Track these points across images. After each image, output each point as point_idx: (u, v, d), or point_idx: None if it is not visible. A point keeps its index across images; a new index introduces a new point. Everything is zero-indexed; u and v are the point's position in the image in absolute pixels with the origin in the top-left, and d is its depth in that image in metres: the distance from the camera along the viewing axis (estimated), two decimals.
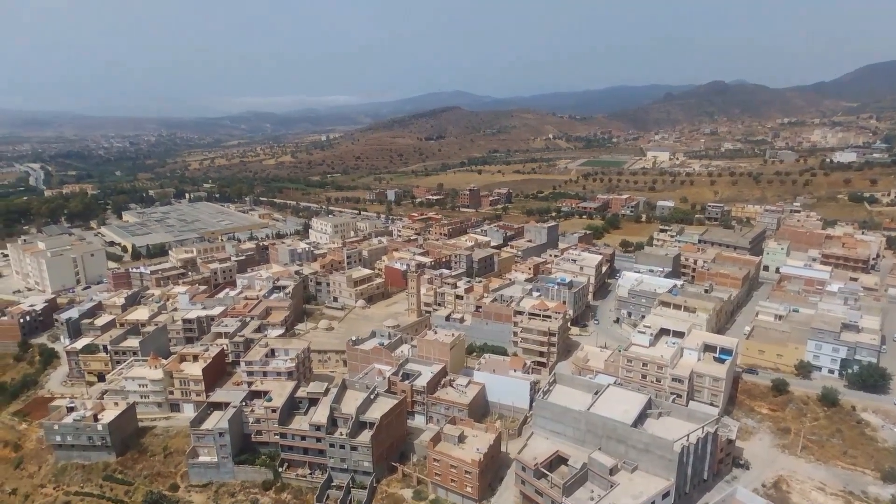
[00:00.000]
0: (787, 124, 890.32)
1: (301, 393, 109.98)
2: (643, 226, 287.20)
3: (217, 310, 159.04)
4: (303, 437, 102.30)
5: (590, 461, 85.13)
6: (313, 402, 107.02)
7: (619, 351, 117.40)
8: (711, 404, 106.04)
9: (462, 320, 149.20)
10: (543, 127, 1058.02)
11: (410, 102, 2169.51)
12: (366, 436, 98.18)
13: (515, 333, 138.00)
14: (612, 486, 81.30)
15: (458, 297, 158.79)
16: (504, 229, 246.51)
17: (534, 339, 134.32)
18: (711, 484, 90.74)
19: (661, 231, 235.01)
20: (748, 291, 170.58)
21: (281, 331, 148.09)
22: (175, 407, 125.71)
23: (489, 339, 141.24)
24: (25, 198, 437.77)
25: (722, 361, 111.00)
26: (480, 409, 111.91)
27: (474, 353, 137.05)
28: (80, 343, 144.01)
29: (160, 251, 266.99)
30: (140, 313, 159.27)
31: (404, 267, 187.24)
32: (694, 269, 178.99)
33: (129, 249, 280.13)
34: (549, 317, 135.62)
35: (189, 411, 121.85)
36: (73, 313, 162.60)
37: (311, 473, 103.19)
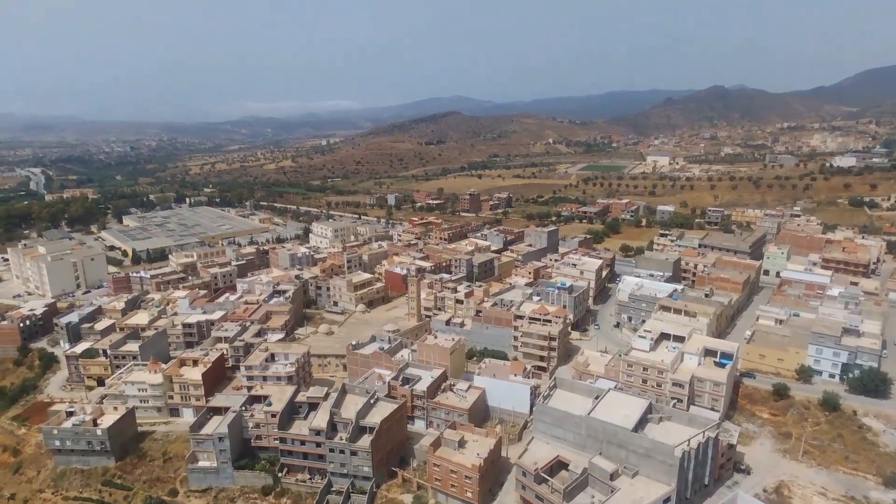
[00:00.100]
0: (786, 129, 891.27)
1: (301, 397, 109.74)
2: (643, 230, 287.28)
3: (217, 314, 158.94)
4: (302, 442, 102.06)
5: (590, 466, 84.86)
6: (313, 406, 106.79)
7: (620, 355, 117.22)
8: (712, 409, 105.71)
9: (462, 325, 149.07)
10: (544, 132, 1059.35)
11: (411, 107, 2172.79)
12: (366, 441, 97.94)
13: (516, 338, 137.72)
14: (612, 492, 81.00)
15: (458, 301, 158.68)
16: (504, 234, 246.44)
17: (534, 343, 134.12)
18: (712, 489, 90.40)
19: (662, 235, 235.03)
20: (748, 296, 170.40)
21: (281, 335, 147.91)
22: (175, 412, 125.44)
23: (489, 344, 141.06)
24: (26, 202, 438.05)
25: (723, 366, 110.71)
26: (481, 414, 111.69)
27: (474, 358, 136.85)
28: (80, 347, 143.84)
29: (160, 255, 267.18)
30: (140, 318, 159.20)
31: (404, 271, 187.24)
32: (694, 274, 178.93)
33: (130, 254, 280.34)
34: (550, 321, 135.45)
35: (189, 416, 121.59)
36: (73, 317, 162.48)
37: (310, 478, 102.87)
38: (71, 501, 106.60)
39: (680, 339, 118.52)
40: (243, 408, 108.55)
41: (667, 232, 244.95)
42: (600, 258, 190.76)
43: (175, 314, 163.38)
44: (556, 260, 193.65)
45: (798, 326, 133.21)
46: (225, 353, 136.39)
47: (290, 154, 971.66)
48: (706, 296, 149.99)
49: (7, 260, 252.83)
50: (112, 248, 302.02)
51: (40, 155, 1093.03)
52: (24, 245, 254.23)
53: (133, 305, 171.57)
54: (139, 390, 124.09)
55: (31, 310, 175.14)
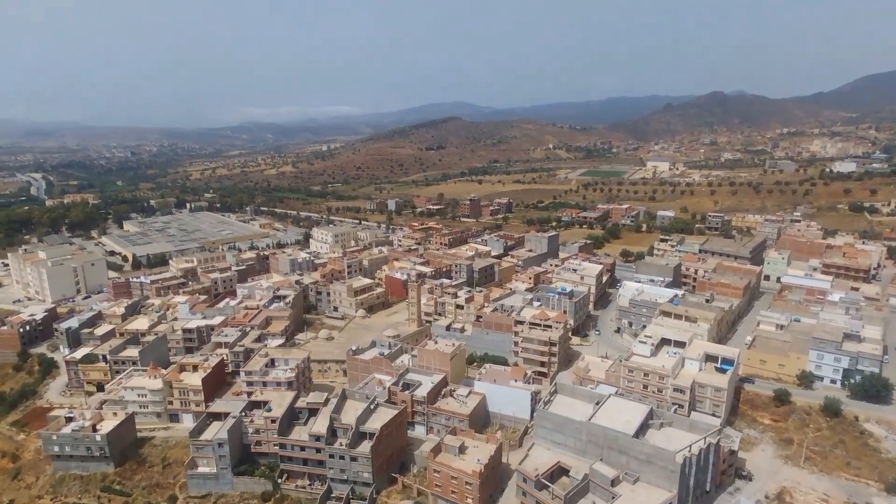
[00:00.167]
0: (786, 134, 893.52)
1: (301, 403, 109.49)
2: (643, 235, 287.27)
3: (217, 319, 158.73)
4: (302, 448, 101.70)
5: (591, 472, 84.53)
6: (313, 412, 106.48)
7: (621, 361, 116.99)
8: (713, 415, 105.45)
9: (462, 330, 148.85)
10: (543, 137, 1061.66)
11: (412, 113, 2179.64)
12: (366, 446, 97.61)
13: (516, 343, 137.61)
14: (613, 498, 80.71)
15: (458, 306, 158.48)
16: (504, 239, 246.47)
17: (534, 348, 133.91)
18: (714, 495, 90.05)
19: (662, 241, 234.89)
20: (749, 301, 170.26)
21: (281, 340, 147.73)
22: (174, 417, 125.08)
23: (490, 349, 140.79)
24: (27, 207, 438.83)
25: (724, 371, 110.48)
26: (481, 420, 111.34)
27: (475, 363, 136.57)
28: (80, 353, 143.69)
29: (161, 261, 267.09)
30: (140, 323, 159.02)
31: (405, 276, 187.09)
32: (695, 279, 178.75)
33: (130, 259, 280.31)
34: (550, 326, 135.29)
35: (188, 422, 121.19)
36: (73, 323, 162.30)
37: (310, 485, 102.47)
38: None
39: (681, 344, 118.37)
40: (243, 413, 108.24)
41: (667, 237, 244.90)
42: (601, 263, 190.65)
43: (175, 319, 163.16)
44: (556, 265, 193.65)
45: (799, 332, 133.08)
46: (225, 358, 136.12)
47: (291, 159, 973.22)
48: (707, 301, 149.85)
49: (7, 265, 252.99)
50: (112, 253, 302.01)
51: (41, 160, 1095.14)
52: (25, 250, 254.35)
53: (133, 311, 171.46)
54: (139, 396, 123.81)
55: (31, 315, 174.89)
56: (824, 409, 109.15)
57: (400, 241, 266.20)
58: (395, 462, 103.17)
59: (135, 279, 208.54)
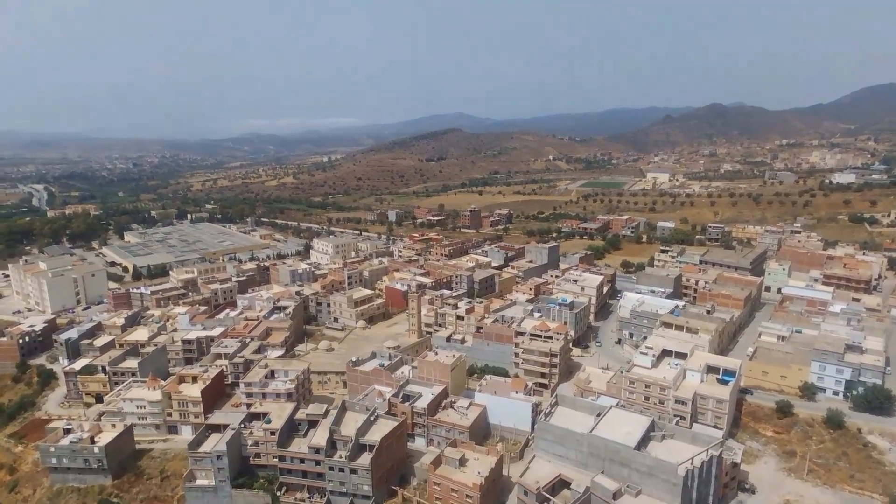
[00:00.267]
0: (785, 146, 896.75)
1: (300, 415, 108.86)
2: (644, 246, 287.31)
3: (217, 330, 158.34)
4: (301, 460, 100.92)
5: (593, 485, 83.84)
6: (312, 424, 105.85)
7: (622, 372, 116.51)
8: (715, 426, 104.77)
9: (463, 341, 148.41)
10: (544, 148, 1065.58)
11: (412, 124, 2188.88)
12: (365, 458, 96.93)
13: (517, 354, 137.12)
14: None
15: (458, 317, 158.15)
16: (505, 250, 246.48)
17: (535, 360, 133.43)
18: None
19: (662, 252, 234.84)
20: (750, 312, 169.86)
21: (281, 352, 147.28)
22: (173, 429, 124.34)
23: (490, 361, 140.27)
24: (28, 218, 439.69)
25: (725, 383, 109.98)
26: (481, 432, 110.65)
27: (475, 375, 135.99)
28: (79, 364, 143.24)
29: (161, 271, 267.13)
30: (140, 334, 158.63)
31: (405, 287, 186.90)
32: (695, 290, 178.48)
33: (130, 270, 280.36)
34: (551, 338, 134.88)
35: (187, 433, 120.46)
36: (73, 334, 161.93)
37: (309, 497, 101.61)
38: None
39: (682, 355, 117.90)
40: (242, 425, 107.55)
41: (667, 248, 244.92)
42: (601, 274, 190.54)
43: (175, 330, 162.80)
44: (556, 276, 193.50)
45: (800, 343, 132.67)
46: (224, 369, 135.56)
47: (292, 170, 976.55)
48: (708, 312, 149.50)
49: (8, 276, 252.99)
50: (113, 264, 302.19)
51: (43, 171, 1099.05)
52: (26, 261, 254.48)
53: (133, 321, 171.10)
54: (138, 407, 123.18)
55: (31, 326, 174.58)
56: (827, 421, 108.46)
57: (400, 251, 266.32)
58: (395, 474, 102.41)
59: (135, 290, 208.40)
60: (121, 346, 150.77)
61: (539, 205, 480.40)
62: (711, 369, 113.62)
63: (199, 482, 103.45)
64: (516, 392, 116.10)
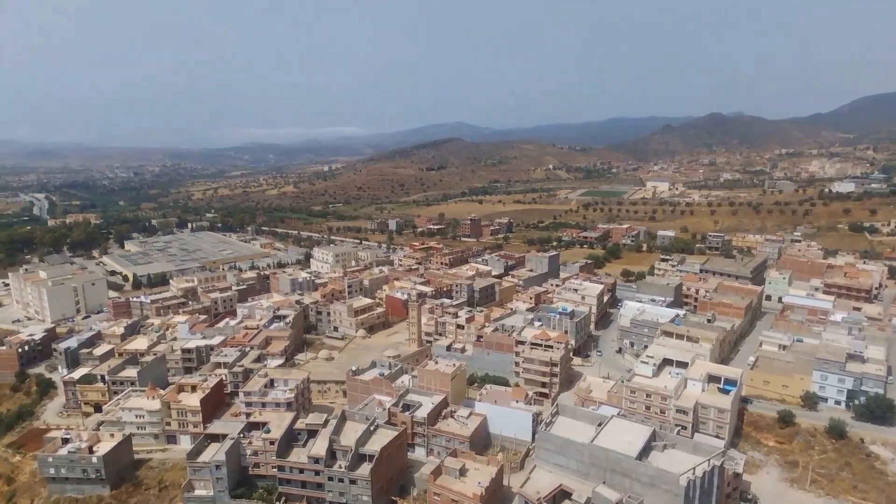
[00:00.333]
0: (785, 155, 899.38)
1: (300, 424, 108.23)
2: (644, 255, 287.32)
3: (217, 339, 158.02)
4: (301, 470, 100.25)
5: (594, 495, 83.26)
6: (312, 433, 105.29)
7: (622, 381, 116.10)
8: (717, 436, 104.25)
9: (463, 350, 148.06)
10: (544, 158, 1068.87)
11: (413, 134, 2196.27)
12: (365, 469, 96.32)
13: (517, 364, 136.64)
14: None
15: (459, 326, 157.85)
16: (505, 259, 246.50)
17: (536, 369, 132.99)
18: None
19: (662, 260, 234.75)
20: (751, 321, 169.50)
21: (281, 361, 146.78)
22: (172, 439, 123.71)
23: (490, 370, 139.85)
24: (29, 227, 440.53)
25: (727, 392, 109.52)
26: (482, 441, 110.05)
27: (475, 384, 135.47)
28: (78, 373, 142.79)
29: (161, 280, 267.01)
30: (139, 343, 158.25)
31: (405, 296, 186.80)
32: (696, 299, 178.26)
33: (130, 278, 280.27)
34: (551, 347, 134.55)
35: (186, 443, 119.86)
36: (72, 343, 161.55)
37: None
38: None
39: (683, 364, 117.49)
40: (241, 435, 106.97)
41: (668, 257, 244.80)
42: (601, 283, 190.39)
43: (174, 339, 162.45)
44: (557, 285, 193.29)
45: (802, 352, 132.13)
46: (224, 378, 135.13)
47: (293, 180, 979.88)
48: (708, 321, 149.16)
49: (8, 285, 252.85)
50: (113, 272, 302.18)
51: (44, 180, 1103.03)
52: (26, 270, 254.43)
53: (132, 330, 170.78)
54: (136, 417, 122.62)
55: (31, 335, 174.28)
56: (829, 431, 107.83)
57: (400, 260, 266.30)
58: (395, 484, 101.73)
59: (135, 299, 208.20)
60: (120, 355, 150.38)
61: (539, 214, 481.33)
62: (713, 378, 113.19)
63: (197, 492, 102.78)
64: (517, 401, 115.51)
